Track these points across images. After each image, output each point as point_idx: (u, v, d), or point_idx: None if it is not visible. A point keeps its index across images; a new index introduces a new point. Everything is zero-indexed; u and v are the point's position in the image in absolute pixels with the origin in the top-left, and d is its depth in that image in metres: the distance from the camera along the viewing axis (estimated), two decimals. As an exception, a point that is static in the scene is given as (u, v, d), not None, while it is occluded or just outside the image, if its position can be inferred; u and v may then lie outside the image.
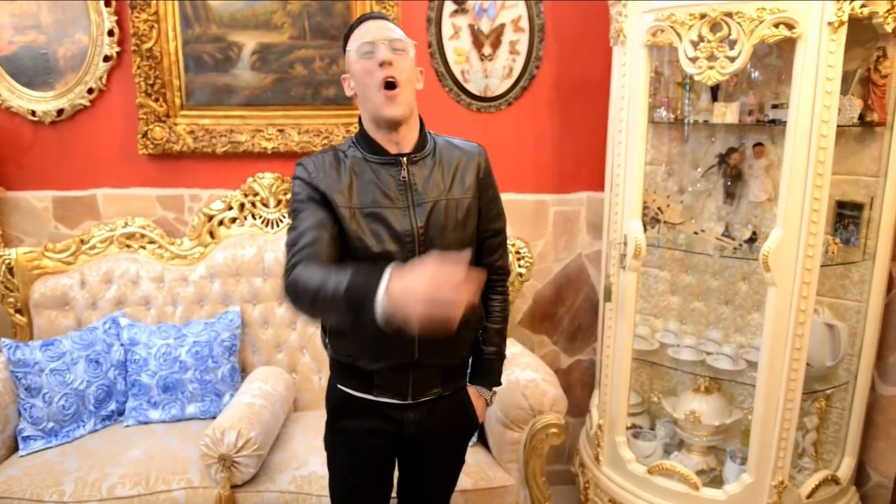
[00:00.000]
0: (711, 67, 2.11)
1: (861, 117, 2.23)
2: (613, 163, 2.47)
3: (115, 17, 2.70)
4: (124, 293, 2.73)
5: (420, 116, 1.70)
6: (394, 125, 1.61)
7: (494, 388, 1.89)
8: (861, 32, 2.14)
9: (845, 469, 2.40)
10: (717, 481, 2.46)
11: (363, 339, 1.65)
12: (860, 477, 2.50)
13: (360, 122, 1.70)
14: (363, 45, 1.59)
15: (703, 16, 2.09)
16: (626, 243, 2.39)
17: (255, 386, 2.50)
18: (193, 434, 2.46)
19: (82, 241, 2.78)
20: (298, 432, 2.51)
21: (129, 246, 2.82)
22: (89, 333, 2.60)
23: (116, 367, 2.60)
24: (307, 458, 2.34)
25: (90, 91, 2.76)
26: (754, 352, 2.50)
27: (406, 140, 1.65)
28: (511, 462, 2.37)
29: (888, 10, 2.00)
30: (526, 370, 2.43)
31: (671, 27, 2.16)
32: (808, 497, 2.29)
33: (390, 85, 1.57)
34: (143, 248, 2.82)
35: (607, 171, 2.70)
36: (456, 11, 2.78)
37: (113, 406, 2.58)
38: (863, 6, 1.96)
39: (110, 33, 2.71)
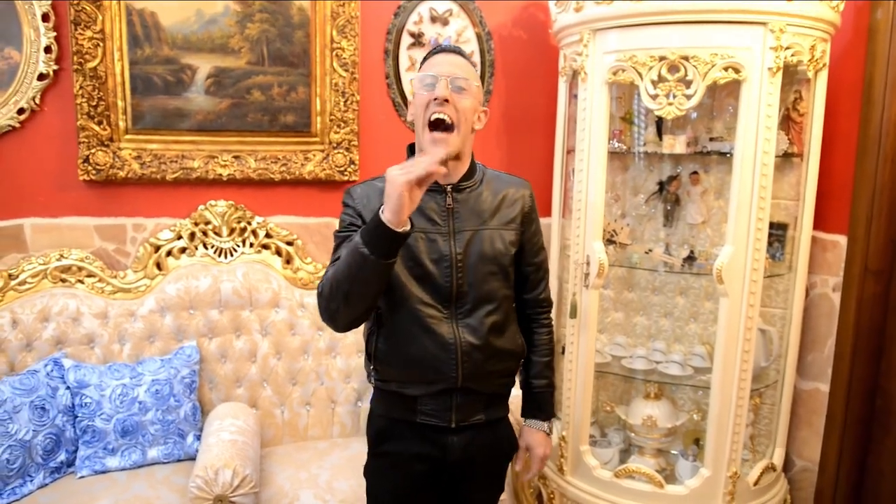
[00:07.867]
0: (671, 104, 2.37)
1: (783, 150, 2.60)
2: (574, 189, 2.66)
3: (54, 34, 2.50)
4: (64, 332, 2.49)
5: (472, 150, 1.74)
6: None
7: (552, 420, 1.92)
8: (783, 77, 2.51)
9: (778, 458, 2.71)
10: (669, 479, 2.69)
11: (408, 363, 1.68)
12: (786, 464, 2.84)
13: (411, 147, 1.72)
14: (426, 76, 1.61)
15: (662, 58, 2.35)
16: (589, 263, 2.58)
17: (229, 422, 2.38)
18: (162, 479, 2.30)
19: (10, 276, 2.51)
20: (277, 468, 2.42)
21: (64, 280, 2.58)
22: (30, 377, 2.33)
23: (64, 412, 2.35)
24: (298, 493, 2.27)
25: (21, 111, 2.52)
26: (696, 358, 2.78)
27: (455, 171, 1.68)
28: (497, 477, 2.45)
29: (810, 60, 2.37)
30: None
31: (633, 67, 2.39)
32: (755, 484, 2.57)
33: (438, 124, 1.58)
34: (81, 282, 2.60)
35: (554, 198, 2.91)
36: (413, 45, 2.87)
37: (62, 456, 2.33)
38: (792, 55, 2.32)
39: (47, 50, 2.51)
